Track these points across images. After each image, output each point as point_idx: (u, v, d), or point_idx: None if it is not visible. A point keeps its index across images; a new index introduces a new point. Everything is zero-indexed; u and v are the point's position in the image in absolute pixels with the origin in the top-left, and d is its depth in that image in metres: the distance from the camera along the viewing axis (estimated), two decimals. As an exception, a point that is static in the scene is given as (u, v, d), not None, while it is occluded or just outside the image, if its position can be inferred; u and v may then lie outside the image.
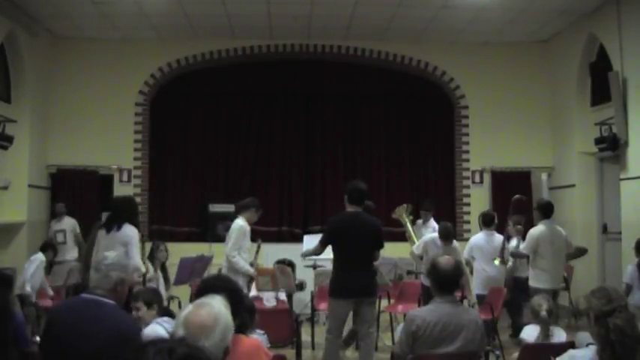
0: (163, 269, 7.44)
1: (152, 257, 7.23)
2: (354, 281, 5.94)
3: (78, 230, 10.08)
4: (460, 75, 11.67)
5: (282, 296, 7.98)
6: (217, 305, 2.50)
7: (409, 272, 8.68)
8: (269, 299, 8.11)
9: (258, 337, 4.07)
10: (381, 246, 6.28)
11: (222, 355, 2.41)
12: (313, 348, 7.92)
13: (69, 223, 10.13)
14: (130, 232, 6.11)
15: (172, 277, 7.52)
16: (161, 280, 7.27)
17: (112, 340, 3.32)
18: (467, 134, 11.69)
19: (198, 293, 3.35)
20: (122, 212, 6.27)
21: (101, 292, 3.60)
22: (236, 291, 3.47)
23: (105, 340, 3.34)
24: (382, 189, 11.92)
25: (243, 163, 12.14)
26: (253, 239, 7.74)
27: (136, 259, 6.05)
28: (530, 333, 4.98)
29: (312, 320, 8.22)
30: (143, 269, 6.28)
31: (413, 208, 9.66)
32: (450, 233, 7.94)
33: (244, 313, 3.57)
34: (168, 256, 7.46)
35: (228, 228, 9.45)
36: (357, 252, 6.01)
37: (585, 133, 10.18)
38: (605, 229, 10.19)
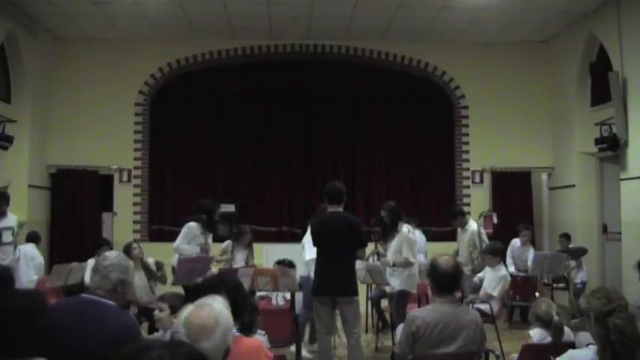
0: (148, 267, 7.61)
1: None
2: (329, 279, 5.99)
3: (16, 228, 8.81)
4: (460, 75, 11.66)
5: (288, 296, 7.98)
6: (218, 306, 2.49)
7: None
8: (277, 299, 8.13)
9: (258, 338, 4.06)
10: (363, 245, 6.28)
11: (223, 356, 2.41)
12: (313, 348, 7.90)
13: (12, 219, 8.71)
14: (187, 225, 7.91)
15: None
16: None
17: (111, 341, 3.31)
18: (467, 134, 11.69)
19: (201, 292, 3.35)
20: (196, 212, 8.04)
21: (101, 293, 3.58)
22: (240, 290, 3.48)
23: (103, 340, 3.32)
24: (382, 189, 11.93)
25: (243, 163, 12.14)
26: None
27: (176, 243, 7.84)
28: (540, 338, 4.74)
29: (312, 320, 8.18)
30: (182, 251, 7.69)
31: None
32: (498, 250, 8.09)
33: (252, 312, 3.58)
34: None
35: (228, 228, 9.53)
36: (335, 251, 6.04)
37: (585, 133, 10.17)
38: (605, 229, 10.18)
